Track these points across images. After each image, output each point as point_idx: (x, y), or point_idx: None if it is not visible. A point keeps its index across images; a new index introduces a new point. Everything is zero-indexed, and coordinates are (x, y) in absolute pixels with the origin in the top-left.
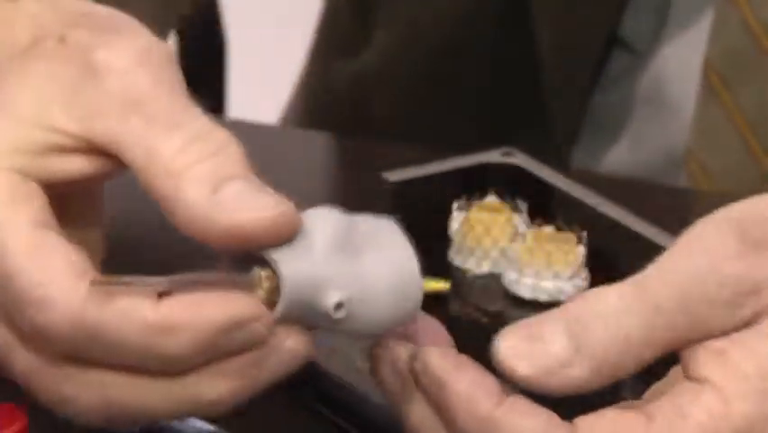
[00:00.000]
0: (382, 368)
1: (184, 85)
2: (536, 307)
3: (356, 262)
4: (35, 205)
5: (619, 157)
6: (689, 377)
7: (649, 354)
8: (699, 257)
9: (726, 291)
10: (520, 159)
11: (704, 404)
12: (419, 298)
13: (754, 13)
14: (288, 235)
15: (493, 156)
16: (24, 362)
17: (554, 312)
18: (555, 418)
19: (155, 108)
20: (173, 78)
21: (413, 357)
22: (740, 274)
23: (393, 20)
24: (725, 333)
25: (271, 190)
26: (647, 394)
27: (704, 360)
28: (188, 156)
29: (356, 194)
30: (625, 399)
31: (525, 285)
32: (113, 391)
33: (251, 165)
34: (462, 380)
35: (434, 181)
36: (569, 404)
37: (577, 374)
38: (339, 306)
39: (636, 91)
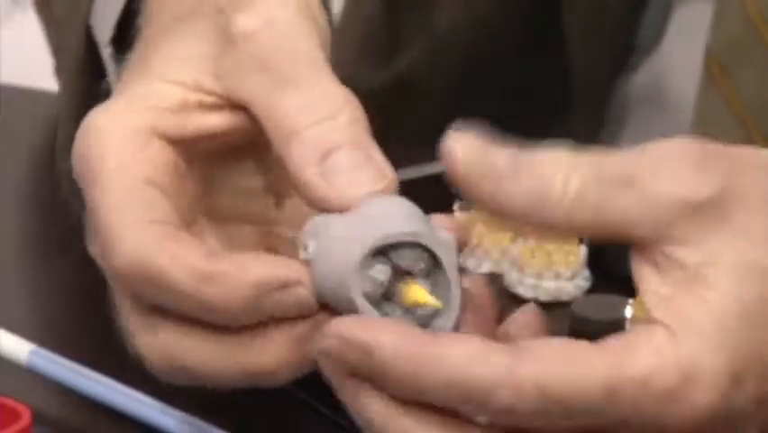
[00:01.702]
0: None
1: (316, 50)
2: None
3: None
4: (152, 162)
5: None
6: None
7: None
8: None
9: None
10: None
11: (654, 343)
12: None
13: (753, 2)
14: None
15: None
16: (121, 313)
17: None
18: (490, 341)
19: (280, 69)
20: (303, 43)
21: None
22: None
23: (424, 29)
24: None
25: (376, 158)
26: None
27: (655, 304)
28: (302, 118)
29: None
30: None
31: (526, 285)
32: (174, 342)
33: (363, 129)
34: (387, 334)
35: (434, 181)
36: None
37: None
38: (305, 246)
39: (638, 90)
